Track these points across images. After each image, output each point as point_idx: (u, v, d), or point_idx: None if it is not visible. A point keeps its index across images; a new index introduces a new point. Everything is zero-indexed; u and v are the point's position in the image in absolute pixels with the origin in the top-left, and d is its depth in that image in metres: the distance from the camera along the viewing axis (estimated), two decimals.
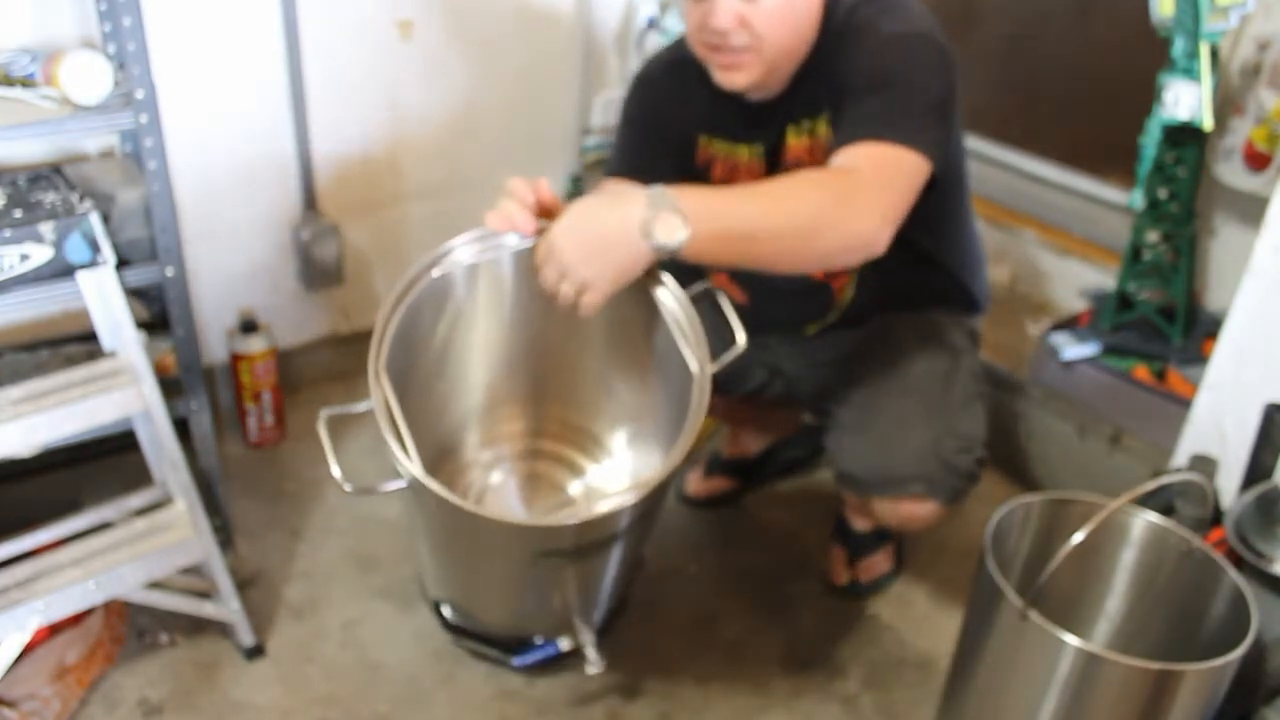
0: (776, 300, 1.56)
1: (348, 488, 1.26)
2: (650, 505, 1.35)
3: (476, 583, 1.50)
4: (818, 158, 1.43)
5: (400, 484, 1.26)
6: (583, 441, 1.65)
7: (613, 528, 1.32)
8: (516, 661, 1.53)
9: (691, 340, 1.33)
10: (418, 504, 1.33)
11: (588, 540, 1.31)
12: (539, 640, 1.52)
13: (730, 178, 1.51)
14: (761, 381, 1.71)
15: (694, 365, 1.31)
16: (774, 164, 1.49)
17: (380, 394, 1.24)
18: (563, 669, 1.59)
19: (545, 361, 1.58)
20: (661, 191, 1.18)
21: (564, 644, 1.50)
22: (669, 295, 1.35)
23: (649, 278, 1.33)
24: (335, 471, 1.26)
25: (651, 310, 1.38)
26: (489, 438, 1.64)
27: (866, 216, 1.22)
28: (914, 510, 1.48)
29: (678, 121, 1.52)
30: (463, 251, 1.34)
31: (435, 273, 1.33)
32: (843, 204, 1.22)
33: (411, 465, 1.23)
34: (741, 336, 1.33)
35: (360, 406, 1.27)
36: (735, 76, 1.38)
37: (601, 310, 1.24)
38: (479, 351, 1.54)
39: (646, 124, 1.56)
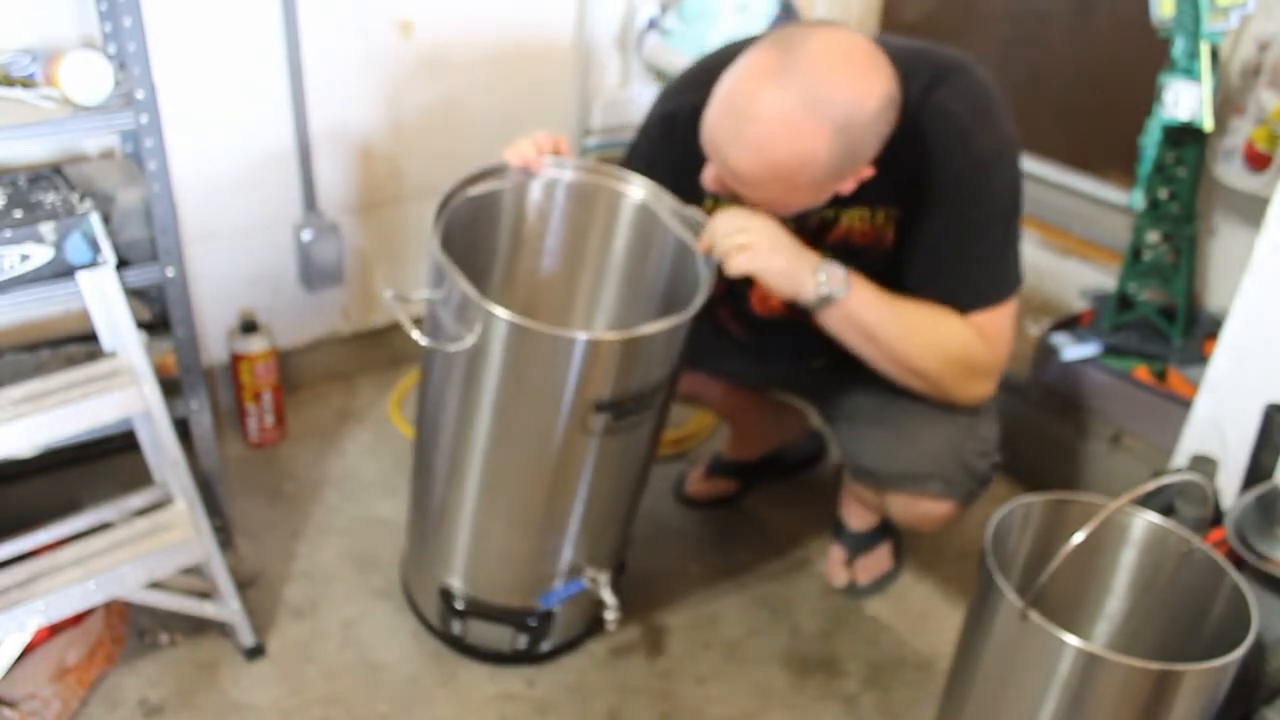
0: (779, 336, 1.55)
1: (424, 341, 1.32)
2: (676, 365, 1.39)
3: (502, 518, 1.48)
4: (869, 239, 1.41)
5: (462, 345, 1.29)
6: None
7: (653, 370, 1.34)
8: (544, 601, 1.53)
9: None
10: (461, 395, 1.36)
11: (631, 387, 1.33)
12: (545, 598, 1.53)
13: None
14: (769, 377, 1.71)
15: (686, 236, 1.40)
16: (807, 231, 1.42)
17: (447, 263, 1.28)
18: (563, 669, 1.59)
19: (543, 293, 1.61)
20: (838, 264, 1.31)
21: (586, 581, 1.52)
22: (673, 220, 1.43)
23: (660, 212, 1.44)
24: (415, 334, 1.31)
25: (662, 254, 1.46)
26: None
27: (980, 391, 1.41)
28: (930, 509, 1.49)
29: (689, 183, 1.41)
30: (489, 182, 1.44)
31: (473, 191, 1.41)
32: (968, 376, 1.38)
33: (486, 302, 1.26)
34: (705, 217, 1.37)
35: (421, 293, 1.36)
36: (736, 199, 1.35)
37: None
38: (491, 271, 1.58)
39: (658, 166, 1.48)
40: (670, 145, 1.45)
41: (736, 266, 1.29)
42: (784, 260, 1.29)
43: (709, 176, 1.30)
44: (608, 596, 1.50)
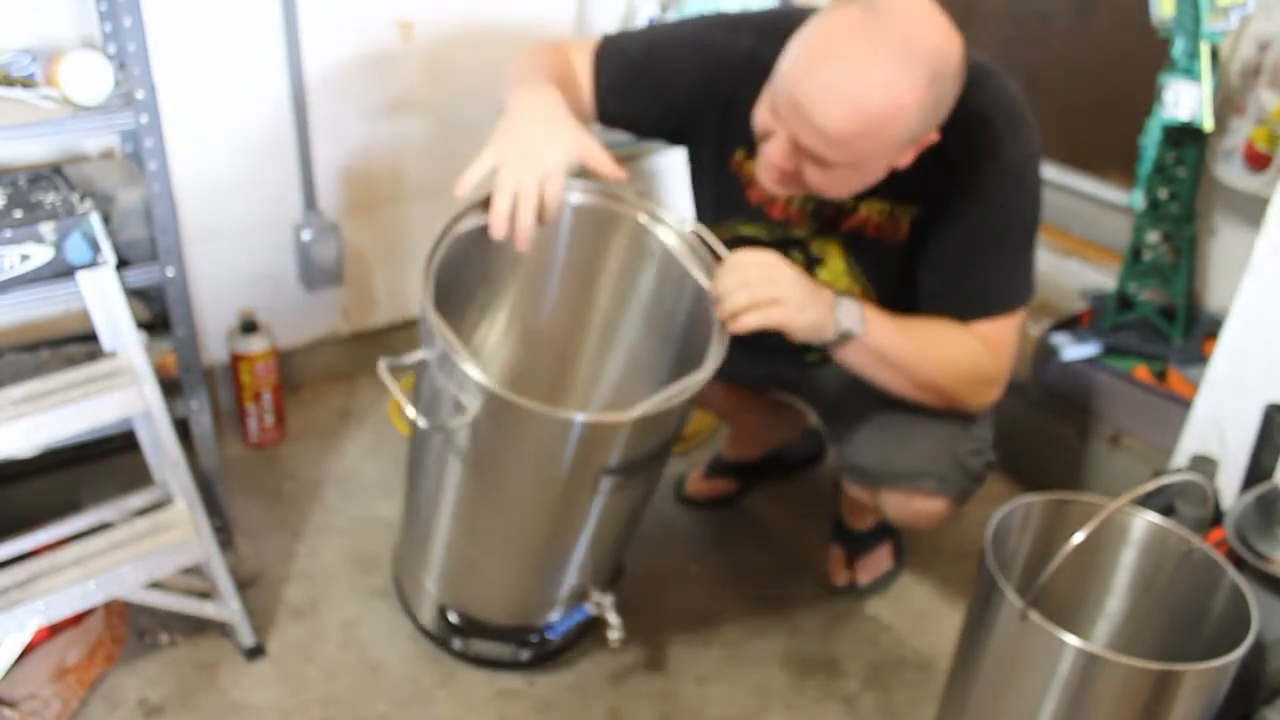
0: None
1: (422, 423, 1.25)
2: (680, 422, 1.35)
3: (496, 555, 1.46)
4: (884, 231, 1.39)
5: (465, 420, 1.22)
6: None
7: (666, 430, 1.30)
8: (551, 632, 1.52)
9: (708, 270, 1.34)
10: (453, 451, 1.31)
11: (642, 450, 1.29)
12: (548, 617, 1.52)
13: (768, 206, 1.44)
14: (765, 375, 1.71)
15: (706, 283, 1.34)
16: (824, 218, 1.42)
17: (439, 325, 1.21)
18: (562, 668, 1.59)
19: (556, 356, 1.57)
20: (849, 297, 1.30)
21: (590, 608, 1.51)
22: (694, 263, 1.37)
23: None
24: (410, 411, 1.23)
25: (680, 297, 1.40)
26: None
27: (989, 398, 1.41)
28: (924, 506, 1.48)
29: (720, 125, 1.40)
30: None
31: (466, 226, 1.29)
32: (977, 386, 1.39)
33: (484, 378, 1.19)
34: (727, 255, 1.31)
35: (414, 356, 1.27)
36: (776, 189, 1.29)
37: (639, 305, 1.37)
38: (499, 347, 1.54)
39: (674, 89, 1.40)
40: (698, 71, 1.38)
41: (765, 320, 1.25)
42: (813, 313, 1.26)
43: (777, 152, 1.22)
44: (612, 618, 1.49)
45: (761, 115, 1.23)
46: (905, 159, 1.24)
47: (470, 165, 1.24)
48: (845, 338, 1.29)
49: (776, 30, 1.24)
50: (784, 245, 1.46)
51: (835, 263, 1.45)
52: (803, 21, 1.20)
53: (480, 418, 1.22)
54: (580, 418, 1.21)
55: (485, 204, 1.25)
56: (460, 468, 1.36)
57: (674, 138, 1.49)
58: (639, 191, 1.42)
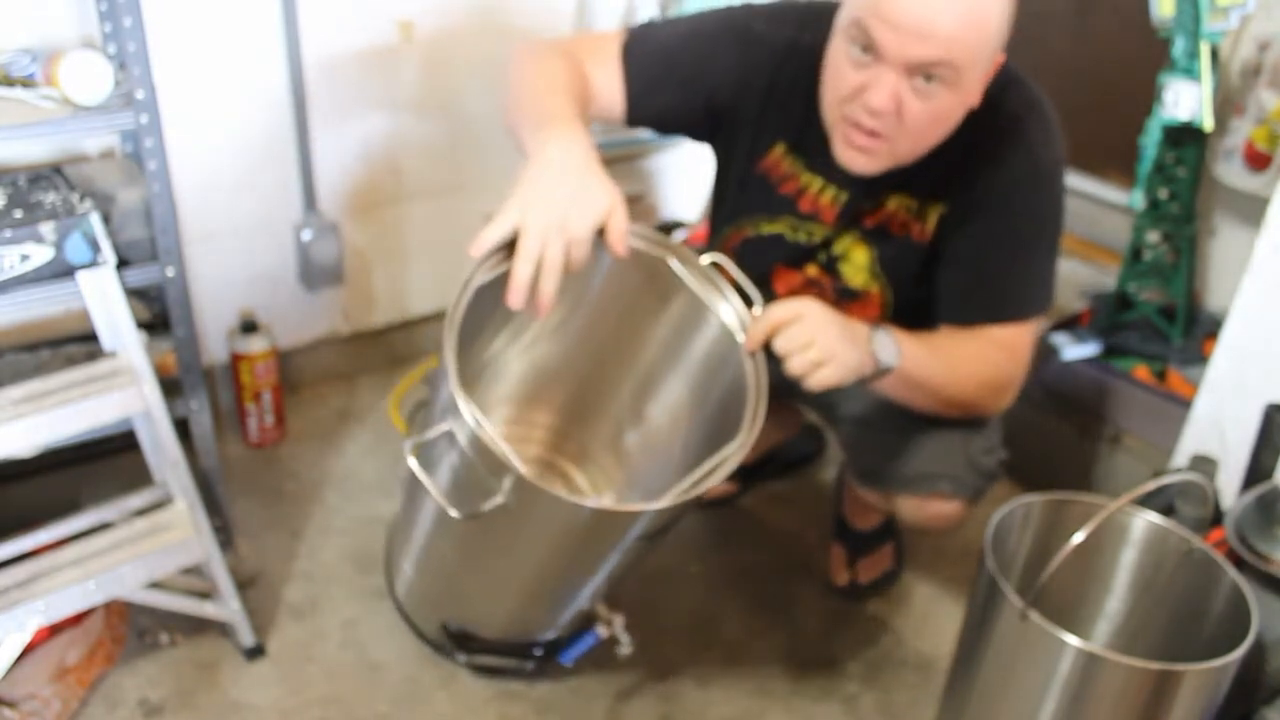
0: None
1: (454, 513, 1.17)
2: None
3: (501, 589, 1.45)
4: (910, 229, 1.39)
5: (498, 500, 1.16)
6: (593, 471, 1.62)
7: (687, 508, 1.27)
8: (563, 658, 1.52)
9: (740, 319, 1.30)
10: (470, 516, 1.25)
11: (668, 519, 1.27)
12: (551, 634, 1.52)
13: (798, 199, 1.43)
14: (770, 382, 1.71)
15: (741, 337, 1.29)
16: (853, 214, 1.41)
17: (470, 411, 1.13)
18: (562, 670, 1.59)
19: (582, 380, 1.56)
20: (882, 329, 1.28)
21: (601, 630, 1.50)
22: (730, 309, 1.31)
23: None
24: (439, 498, 1.16)
25: (712, 341, 1.35)
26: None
27: (1005, 404, 1.42)
28: (940, 509, 1.48)
29: (758, 117, 1.38)
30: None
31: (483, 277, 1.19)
32: (997, 394, 1.40)
33: (523, 467, 1.14)
34: (759, 302, 1.28)
35: (435, 431, 1.18)
36: (859, 160, 1.27)
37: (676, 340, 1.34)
38: (522, 354, 1.52)
39: (723, 83, 1.37)
40: (740, 62, 1.35)
41: (819, 383, 1.19)
42: (855, 357, 1.22)
43: (881, 92, 1.19)
44: (622, 635, 1.48)
45: (843, 75, 1.22)
46: (976, 94, 1.24)
47: (490, 224, 1.14)
48: (885, 372, 1.28)
49: (818, 20, 1.25)
50: (806, 250, 1.46)
51: (858, 258, 1.44)
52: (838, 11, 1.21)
53: (510, 498, 1.17)
54: (610, 505, 1.19)
55: (508, 248, 1.15)
56: (469, 530, 1.31)
57: (705, 133, 1.46)
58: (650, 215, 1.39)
